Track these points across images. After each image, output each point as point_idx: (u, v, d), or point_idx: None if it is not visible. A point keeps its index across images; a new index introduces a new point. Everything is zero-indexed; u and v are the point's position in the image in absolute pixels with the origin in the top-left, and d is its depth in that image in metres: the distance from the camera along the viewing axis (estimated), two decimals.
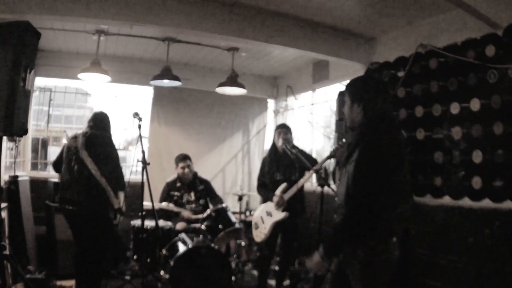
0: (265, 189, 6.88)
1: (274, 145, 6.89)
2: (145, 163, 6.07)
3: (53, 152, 9.88)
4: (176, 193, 7.80)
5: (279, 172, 6.76)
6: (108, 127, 6.32)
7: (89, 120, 6.35)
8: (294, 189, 6.39)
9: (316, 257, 3.56)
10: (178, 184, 7.91)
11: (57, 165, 6.47)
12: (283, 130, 6.77)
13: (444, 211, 5.65)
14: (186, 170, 7.86)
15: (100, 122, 6.27)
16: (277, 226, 6.52)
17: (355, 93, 3.73)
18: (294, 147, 6.64)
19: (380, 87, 3.91)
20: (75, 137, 6.16)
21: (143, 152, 6.10)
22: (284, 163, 6.71)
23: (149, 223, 6.73)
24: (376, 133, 3.48)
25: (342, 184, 3.60)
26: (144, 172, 6.04)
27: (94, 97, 10.43)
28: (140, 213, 6.35)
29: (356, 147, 3.52)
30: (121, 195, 6.35)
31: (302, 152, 6.68)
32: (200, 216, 7.18)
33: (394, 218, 3.46)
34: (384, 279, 3.54)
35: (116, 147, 6.33)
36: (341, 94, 6.85)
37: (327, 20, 6.81)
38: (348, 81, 3.94)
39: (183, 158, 7.96)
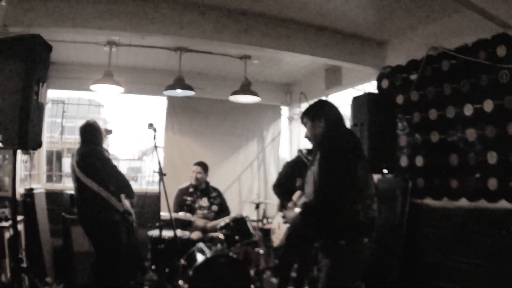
0: (281, 189, 6.88)
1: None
2: (161, 174, 6.13)
3: (67, 164, 9.98)
4: (189, 198, 7.87)
5: (298, 178, 6.73)
6: (96, 139, 6.30)
7: (79, 136, 6.40)
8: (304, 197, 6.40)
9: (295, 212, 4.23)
10: (191, 190, 7.99)
11: None
12: None
13: (460, 213, 5.60)
14: (198, 175, 7.95)
15: (88, 137, 6.30)
16: (294, 233, 6.50)
17: (315, 113, 4.34)
18: (310, 153, 6.63)
19: (330, 104, 4.53)
20: (73, 155, 6.29)
21: (159, 163, 6.16)
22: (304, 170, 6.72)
23: (167, 233, 6.78)
24: (334, 136, 4.12)
25: (309, 184, 4.11)
26: (161, 183, 6.10)
27: (107, 108, 10.51)
28: (157, 224, 6.41)
29: (317, 149, 4.13)
30: (126, 201, 6.44)
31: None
32: (215, 222, 7.27)
33: (363, 217, 3.87)
34: (352, 279, 3.97)
35: (131, 157, 6.40)
36: (356, 99, 6.85)
37: (338, 26, 6.81)
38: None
39: (198, 163, 8.08)
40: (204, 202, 7.93)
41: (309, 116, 4.37)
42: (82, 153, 6.20)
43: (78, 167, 6.09)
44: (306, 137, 4.46)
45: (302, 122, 4.49)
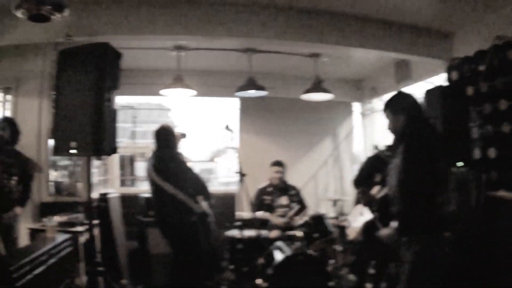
0: (361, 184, 6.89)
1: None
2: (242, 175, 6.27)
3: (140, 168, 10.24)
4: (269, 197, 8.01)
5: (377, 174, 6.75)
6: (170, 143, 6.45)
7: (154, 140, 6.57)
8: (383, 192, 6.41)
9: (389, 229, 4.22)
10: (270, 189, 8.12)
11: None
12: None
13: None
14: (279, 175, 8.08)
15: (162, 140, 6.46)
16: (370, 227, 6.53)
17: (395, 107, 4.44)
18: (389, 149, 6.63)
19: (410, 96, 4.55)
20: (148, 159, 6.50)
21: (239, 163, 6.29)
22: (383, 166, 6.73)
23: (245, 233, 6.92)
24: (416, 129, 4.17)
25: (392, 177, 4.18)
26: (241, 183, 6.24)
27: (175, 111, 10.70)
28: (235, 224, 6.55)
29: (399, 141, 4.21)
30: (203, 202, 6.59)
31: None
32: (290, 214, 7.45)
33: (444, 211, 3.90)
34: (434, 273, 3.93)
35: (202, 159, 6.55)
36: (428, 92, 6.81)
37: (405, 19, 6.82)
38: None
39: (277, 163, 8.20)
40: (283, 200, 8.05)
41: (390, 109, 4.47)
42: (157, 156, 6.38)
43: (154, 171, 6.28)
44: (389, 128, 4.55)
45: (384, 113, 4.58)
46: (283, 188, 8.20)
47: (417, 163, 3.93)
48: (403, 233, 4.05)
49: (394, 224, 4.09)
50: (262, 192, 8.14)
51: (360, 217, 6.63)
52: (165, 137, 6.49)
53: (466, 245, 5.62)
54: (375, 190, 6.41)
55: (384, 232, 4.44)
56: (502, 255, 5.63)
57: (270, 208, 7.89)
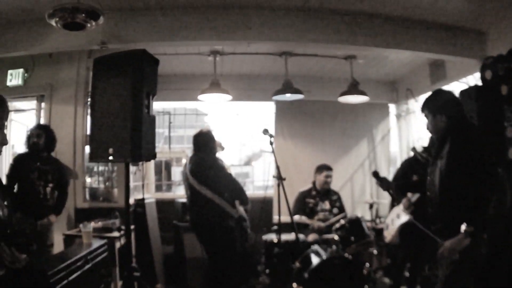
0: (397, 184, 6.83)
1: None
2: (280, 178, 6.28)
3: (176, 173, 10.30)
4: (312, 201, 8.05)
5: (414, 175, 6.71)
6: (208, 148, 6.49)
7: (192, 144, 6.62)
8: (417, 195, 6.35)
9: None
10: (314, 193, 8.18)
11: None
12: None
13: None
14: (330, 179, 8.16)
15: (201, 145, 6.51)
16: (406, 230, 6.48)
17: (435, 107, 4.27)
18: (426, 150, 6.58)
19: (449, 95, 4.43)
20: (185, 164, 6.53)
21: (277, 167, 6.31)
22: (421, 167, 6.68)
23: (283, 237, 6.90)
24: (462, 130, 4.05)
25: (435, 178, 4.10)
26: (279, 187, 6.25)
27: (211, 116, 10.77)
28: (272, 227, 6.56)
29: (443, 142, 4.08)
30: (240, 207, 6.61)
31: None
32: (332, 220, 7.47)
33: (485, 213, 3.80)
34: (470, 277, 3.93)
35: (237, 163, 6.58)
36: (463, 93, 6.75)
37: (437, 19, 6.74)
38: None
39: (329, 168, 8.26)
40: (326, 205, 8.10)
41: (429, 109, 4.37)
42: (195, 161, 6.41)
43: (191, 175, 6.32)
44: (428, 129, 4.48)
45: (423, 113, 4.49)
46: (326, 192, 8.24)
47: (464, 166, 3.87)
48: (445, 236, 3.99)
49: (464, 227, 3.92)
50: (306, 195, 8.18)
51: (396, 220, 6.58)
52: (204, 142, 6.55)
53: (503, 247, 5.57)
54: (411, 194, 6.37)
55: (448, 244, 4.22)
56: None
57: (312, 212, 7.94)
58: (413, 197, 6.33)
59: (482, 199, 3.81)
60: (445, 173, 3.97)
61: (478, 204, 3.79)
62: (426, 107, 4.39)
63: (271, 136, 6.29)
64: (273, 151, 6.28)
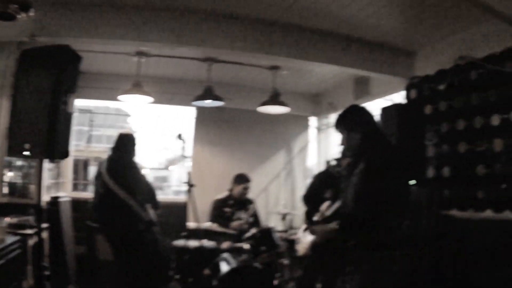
0: (310, 199, 6.84)
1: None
2: (190, 185, 6.18)
3: (93, 172, 10.06)
4: (229, 210, 8.01)
5: (328, 190, 6.70)
6: (129, 149, 6.49)
7: (113, 143, 6.52)
8: (333, 208, 6.36)
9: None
10: (231, 202, 8.12)
11: None
12: None
13: (485, 225, 5.48)
14: (247, 191, 8.18)
15: (121, 145, 6.46)
16: (320, 244, 6.45)
17: (350, 124, 4.30)
18: (338, 165, 6.60)
19: (364, 112, 4.43)
20: (101, 163, 6.38)
21: (188, 173, 6.21)
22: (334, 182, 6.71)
23: (192, 243, 6.81)
24: (376, 149, 4.07)
25: (348, 195, 4.11)
26: (190, 193, 6.16)
27: (134, 117, 10.64)
28: (183, 233, 6.44)
29: (358, 160, 4.08)
30: (151, 210, 6.48)
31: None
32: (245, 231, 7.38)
33: (397, 229, 3.90)
34: None
35: (157, 166, 6.52)
36: (385, 110, 6.80)
37: (367, 36, 6.82)
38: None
39: (248, 180, 8.24)
40: (242, 214, 8.08)
41: (344, 126, 4.34)
42: (113, 160, 6.34)
43: (108, 174, 6.19)
44: (342, 145, 4.44)
45: (337, 130, 4.45)
46: (243, 201, 8.23)
47: (377, 185, 3.83)
48: (347, 234, 4.03)
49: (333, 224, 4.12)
50: (223, 203, 8.13)
51: (308, 235, 6.55)
52: (124, 143, 6.56)
53: (417, 264, 5.61)
54: (325, 207, 6.36)
55: (319, 228, 4.33)
56: (453, 274, 5.62)
57: (227, 220, 7.87)
58: (328, 210, 6.32)
59: (394, 218, 3.79)
60: (359, 190, 3.95)
61: (390, 224, 3.84)
62: (341, 124, 4.38)
63: (184, 141, 6.20)
64: (186, 156, 6.18)
